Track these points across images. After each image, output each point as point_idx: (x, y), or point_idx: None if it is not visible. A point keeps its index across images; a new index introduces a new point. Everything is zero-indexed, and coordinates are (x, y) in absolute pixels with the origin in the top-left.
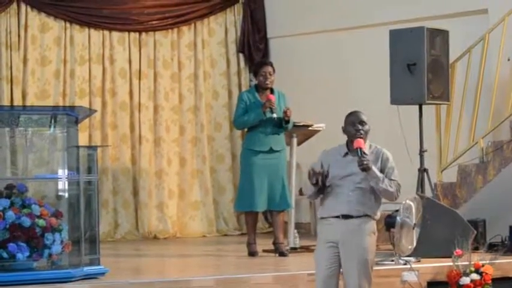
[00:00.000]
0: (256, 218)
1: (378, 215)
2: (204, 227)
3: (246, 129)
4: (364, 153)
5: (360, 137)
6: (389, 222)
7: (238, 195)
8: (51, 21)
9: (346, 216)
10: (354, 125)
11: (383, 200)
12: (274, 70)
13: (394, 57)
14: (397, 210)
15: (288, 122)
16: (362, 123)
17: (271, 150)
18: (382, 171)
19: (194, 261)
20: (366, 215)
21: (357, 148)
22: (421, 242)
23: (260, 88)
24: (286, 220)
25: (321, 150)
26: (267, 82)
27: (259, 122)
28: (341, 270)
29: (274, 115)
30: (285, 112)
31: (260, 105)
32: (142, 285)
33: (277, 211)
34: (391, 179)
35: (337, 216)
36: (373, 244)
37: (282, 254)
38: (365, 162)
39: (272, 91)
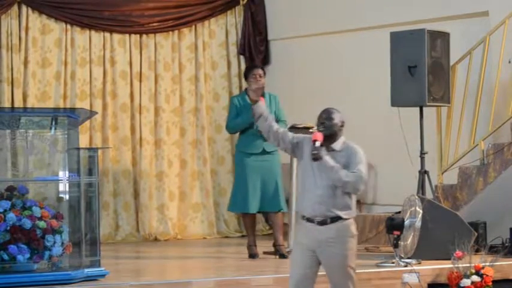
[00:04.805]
0: (254, 219)
1: (354, 212)
2: (205, 229)
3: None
4: (321, 145)
5: (320, 131)
6: (390, 225)
7: (231, 197)
8: (52, 23)
9: (321, 223)
10: (319, 119)
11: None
12: (264, 73)
13: (395, 60)
14: (397, 213)
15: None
16: (328, 119)
17: (264, 152)
18: (348, 164)
19: (195, 263)
20: (340, 218)
21: (313, 140)
22: (422, 244)
23: (251, 91)
24: (287, 222)
25: None
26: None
27: (251, 124)
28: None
29: None
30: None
31: (250, 109)
32: (143, 287)
33: (274, 212)
34: (352, 171)
35: (312, 221)
36: (352, 248)
37: (282, 256)
38: (315, 152)
39: (263, 94)
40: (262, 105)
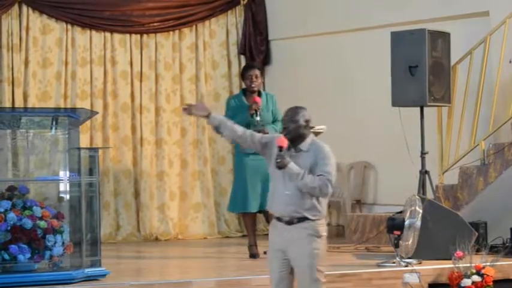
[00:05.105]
0: (254, 219)
1: (322, 214)
2: (206, 229)
3: None
4: (289, 147)
5: (285, 136)
6: (391, 225)
7: (231, 197)
8: (53, 23)
9: (289, 222)
10: (283, 121)
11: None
12: (261, 73)
13: (396, 60)
14: (398, 212)
15: (251, 116)
16: (291, 121)
17: None
18: (316, 165)
19: (195, 263)
20: (307, 218)
21: (278, 147)
22: (423, 244)
23: (247, 92)
24: None
25: None
26: (253, 85)
27: (247, 124)
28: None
29: (258, 118)
30: (263, 130)
31: (246, 109)
32: (144, 287)
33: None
34: (319, 174)
35: (281, 220)
36: (319, 248)
37: None
38: (278, 160)
39: (260, 94)
40: (215, 118)
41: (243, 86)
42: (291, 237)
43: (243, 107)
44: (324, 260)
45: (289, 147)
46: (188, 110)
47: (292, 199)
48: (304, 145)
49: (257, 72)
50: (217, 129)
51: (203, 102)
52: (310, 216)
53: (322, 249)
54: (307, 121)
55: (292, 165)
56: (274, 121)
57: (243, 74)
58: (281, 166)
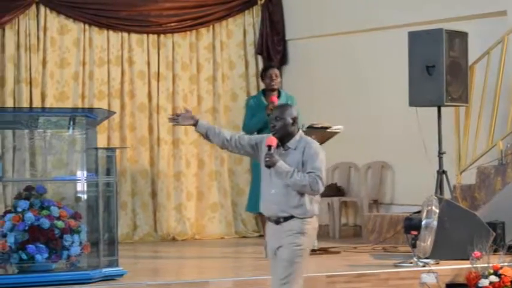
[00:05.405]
0: None
1: (309, 211)
2: (223, 229)
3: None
4: (278, 145)
5: (273, 134)
6: (408, 225)
7: (249, 197)
8: (70, 23)
9: (276, 222)
10: (270, 120)
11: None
12: (280, 73)
13: (413, 59)
14: (415, 213)
15: (268, 115)
16: (277, 118)
17: None
18: (305, 161)
19: (212, 263)
20: (293, 216)
21: (267, 145)
22: (440, 244)
23: (267, 91)
24: None
25: (339, 152)
26: (273, 84)
27: (265, 123)
28: None
29: None
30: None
31: (264, 108)
32: (160, 287)
33: None
34: (309, 172)
35: (270, 220)
36: (301, 245)
37: None
38: (267, 159)
39: (279, 93)
40: (202, 125)
41: (261, 86)
42: (279, 237)
43: (261, 107)
44: (303, 259)
45: (278, 145)
46: (175, 120)
47: (277, 198)
48: (292, 143)
49: (276, 71)
50: (205, 136)
51: (189, 110)
52: (296, 215)
53: (304, 247)
54: (294, 119)
55: (281, 164)
56: None
57: (263, 74)
58: (270, 165)
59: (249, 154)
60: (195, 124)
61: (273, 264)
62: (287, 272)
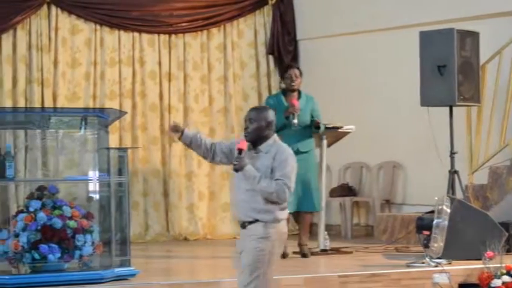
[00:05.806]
0: (288, 220)
1: (275, 216)
2: (234, 229)
3: None
4: (249, 148)
5: (244, 137)
6: (420, 225)
7: None
8: (81, 23)
9: (242, 225)
10: (244, 122)
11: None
12: (301, 73)
13: (424, 59)
14: (427, 212)
15: (317, 128)
16: (251, 120)
17: (298, 152)
18: (274, 167)
19: (224, 263)
20: (258, 221)
21: (237, 149)
22: (453, 244)
23: (287, 91)
24: (316, 222)
25: (350, 152)
26: (293, 84)
27: (284, 124)
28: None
29: (295, 121)
30: (315, 121)
31: (284, 109)
32: (173, 287)
33: (304, 212)
34: (276, 179)
35: (239, 223)
36: (263, 249)
37: (304, 255)
38: (235, 163)
39: (300, 94)
40: (187, 136)
41: (272, 85)
42: (244, 240)
43: (281, 107)
44: (266, 264)
45: (249, 148)
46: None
47: (244, 202)
48: (264, 146)
49: (297, 71)
50: (189, 146)
51: (176, 124)
52: (261, 219)
53: (265, 252)
54: (269, 122)
55: (249, 168)
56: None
57: (283, 74)
58: (238, 169)
59: (225, 162)
60: (180, 136)
61: (239, 271)
62: (250, 278)
